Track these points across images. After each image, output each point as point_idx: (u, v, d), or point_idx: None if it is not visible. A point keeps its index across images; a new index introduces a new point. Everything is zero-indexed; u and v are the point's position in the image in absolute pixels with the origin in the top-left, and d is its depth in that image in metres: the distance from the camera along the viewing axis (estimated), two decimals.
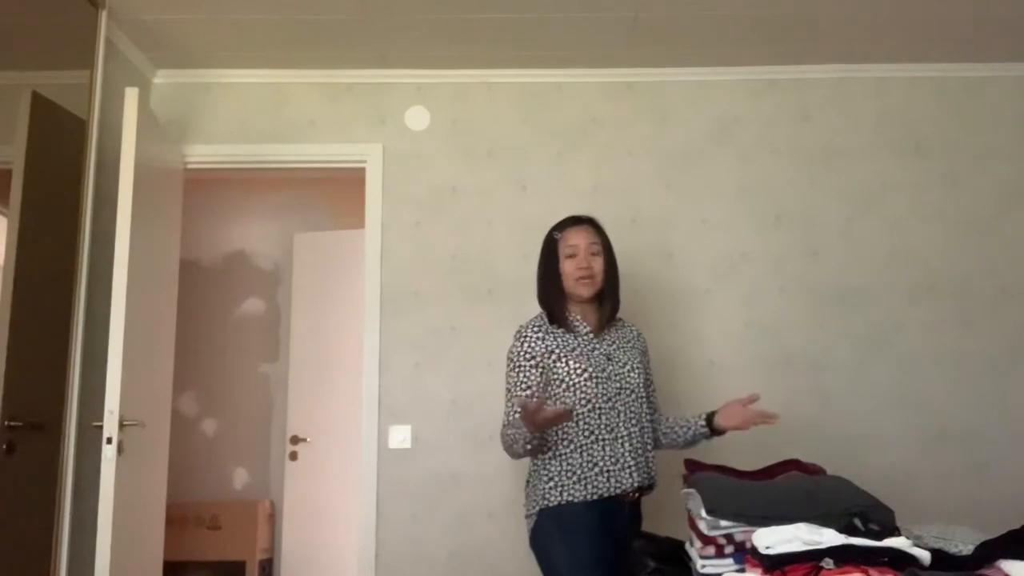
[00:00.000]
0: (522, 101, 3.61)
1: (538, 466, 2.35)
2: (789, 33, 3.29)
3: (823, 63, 3.57)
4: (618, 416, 2.32)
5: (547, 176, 3.56)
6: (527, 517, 2.38)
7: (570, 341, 2.38)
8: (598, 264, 2.43)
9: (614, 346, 2.43)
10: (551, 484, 2.29)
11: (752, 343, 3.45)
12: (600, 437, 2.29)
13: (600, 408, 2.31)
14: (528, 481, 2.41)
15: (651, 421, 2.49)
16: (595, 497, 2.26)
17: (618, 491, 2.28)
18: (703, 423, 2.46)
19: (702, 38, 3.32)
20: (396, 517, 3.34)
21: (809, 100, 3.60)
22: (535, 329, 2.37)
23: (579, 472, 2.27)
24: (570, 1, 3.02)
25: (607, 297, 2.45)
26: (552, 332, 2.36)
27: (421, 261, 3.50)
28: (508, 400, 2.34)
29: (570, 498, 2.26)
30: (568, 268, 2.41)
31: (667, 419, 2.57)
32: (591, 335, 2.40)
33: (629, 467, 2.30)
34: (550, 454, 2.31)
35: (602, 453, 2.28)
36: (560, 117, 3.60)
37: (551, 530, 2.27)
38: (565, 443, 2.30)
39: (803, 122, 3.59)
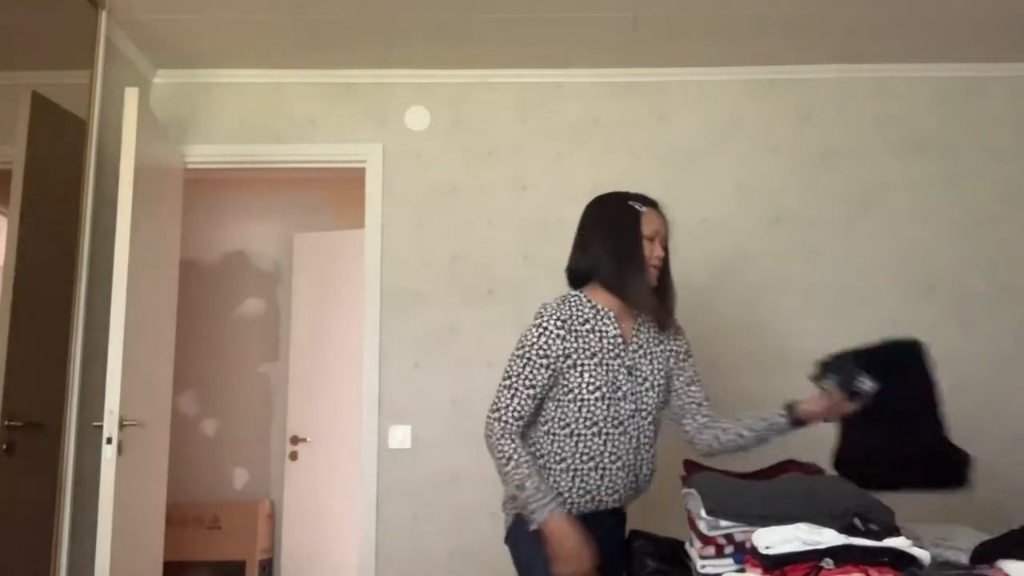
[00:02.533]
0: (522, 101, 3.61)
1: None
2: (789, 33, 3.29)
3: (823, 63, 3.57)
4: (629, 441, 2.09)
5: (547, 176, 3.56)
6: (504, 512, 2.21)
7: (592, 344, 2.07)
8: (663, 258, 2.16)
9: (640, 352, 2.15)
10: None
11: (752, 343, 3.45)
12: (600, 464, 2.07)
13: (607, 433, 2.07)
14: None
15: (699, 424, 2.23)
16: (576, 513, 2.08)
17: (601, 509, 2.13)
18: (781, 413, 2.18)
19: (702, 38, 3.32)
20: (396, 517, 3.34)
21: (809, 100, 3.61)
22: (558, 324, 2.06)
23: (566, 494, 2.07)
24: (570, 1, 3.02)
25: (664, 295, 2.19)
26: (575, 331, 2.07)
27: (421, 261, 3.51)
28: (508, 387, 2.07)
29: None
30: (646, 252, 2.10)
31: (724, 426, 2.21)
32: (619, 339, 2.12)
33: (618, 492, 2.12)
34: (540, 463, 2.09)
35: (598, 482, 2.07)
36: (560, 117, 3.60)
37: (528, 537, 2.07)
38: (557, 459, 2.08)
39: (803, 122, 3.59)
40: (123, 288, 2.78)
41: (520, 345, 2.09)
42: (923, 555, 1.62)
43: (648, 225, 2.11)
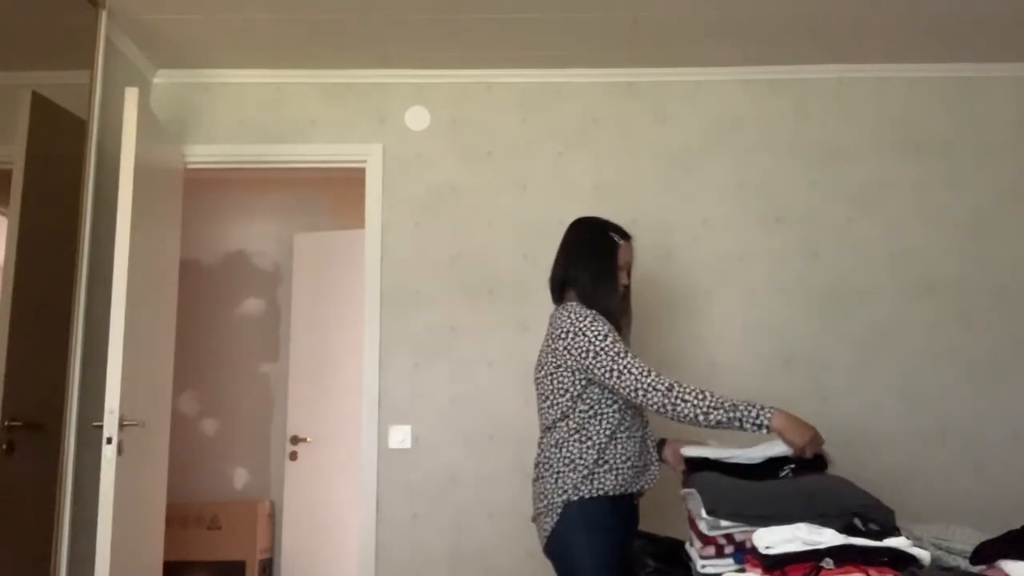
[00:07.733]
0: (522, 101, 3.61)
1: (565, 456, 2.25)
2: (789, 33, 3.29)
3: (823, 63, 3.57)
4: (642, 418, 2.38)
5: (547, 176, 3.56)
6: (544, 515, 2.26)
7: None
8: None
9: None
10: (582, 475, 2.21)
11: (752, 343, 3.45)
12: (640, 428, 2.32)
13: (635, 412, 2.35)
14: (541, 477, 2.29)
15: None
16: (622, 492, 2.23)
17: (642, 487, 2.31)
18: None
19: (702, 38, 3.32)
20: (396, 517, 3.34)
21: (809, 100, 3.60)
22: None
23: (613, 462, 2.24)
24: (570, 1, 3.02)
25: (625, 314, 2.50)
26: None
27: (421, 261, 3.51)
28: (628, 359, 2.20)
29: (600, 492, 2.20)
30: (618, 279, 2.41)
31: None
32: None
33: (654, 461, 2.34)
34: (588, 443, 2.24)
35: (638, 448, 2.30)
36: (560, 117, 3.60)
37: (577, 528, 2.20)
38: (607, 434, 2.26)
39: (803, 122, 3.59)
40: (123, 288, 2.77)
41: (598, 333, 2.26)
42: (923, 555, 1.62)
43: (623, 256, 2.41)
